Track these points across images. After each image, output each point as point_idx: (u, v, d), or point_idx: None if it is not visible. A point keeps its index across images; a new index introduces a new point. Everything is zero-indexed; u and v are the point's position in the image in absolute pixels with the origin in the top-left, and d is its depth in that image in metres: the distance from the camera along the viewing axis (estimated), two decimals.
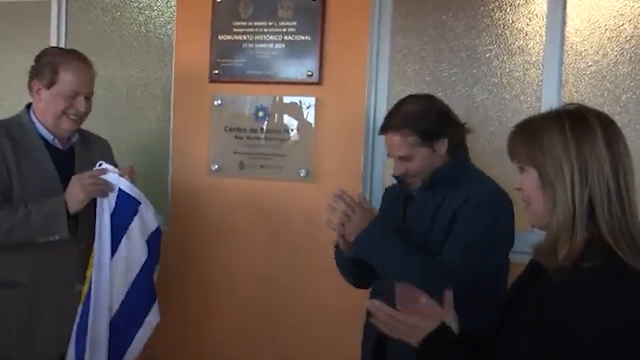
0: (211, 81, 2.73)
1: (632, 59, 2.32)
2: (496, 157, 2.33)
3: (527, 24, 2.42)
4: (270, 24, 2.64)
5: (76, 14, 3.06)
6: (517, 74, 2.44)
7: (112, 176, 2.05)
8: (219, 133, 2.73)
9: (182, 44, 2.80)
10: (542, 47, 2.40)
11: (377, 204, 2.52)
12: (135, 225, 2.08)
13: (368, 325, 1.93)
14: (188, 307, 2.80)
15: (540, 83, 2.40)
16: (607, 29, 2.35)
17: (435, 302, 1.38)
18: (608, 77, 2.35)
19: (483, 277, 1.73)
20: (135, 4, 2.99)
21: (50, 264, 2.08)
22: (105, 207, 2.05)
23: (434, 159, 1.86)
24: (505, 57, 2.46)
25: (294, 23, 2.60)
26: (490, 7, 2.46)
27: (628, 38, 2.32)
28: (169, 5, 2.92)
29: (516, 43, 2.44)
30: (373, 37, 2.55)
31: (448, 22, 2.51)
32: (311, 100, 2.59)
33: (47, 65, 2.09)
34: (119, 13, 3.01)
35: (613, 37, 2.34)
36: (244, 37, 2.68)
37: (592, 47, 2.36)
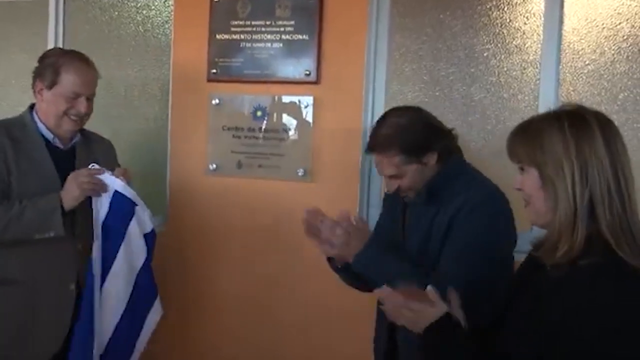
0: (209, 80, 2.73)
1: (630, 57, 2.32)
2: (493, 155, 2.34)
3: (525, 23, 2.43)
4: (268, 23, 2.64)
5: (74, 13, 3.05)
6: (514, 73, 2.45)
7: (108, 177, 2.06)
8: (217, 132, 2.72)
9: (180, 43, 2.79)
10: (539, 46, 2.40)
11: (375, 203, 2.54)
12: (133, 225, 2.11)
13: (379, 319, 1.95)
14: (186, 306, 2.80)
15: (538, 82, 2.40)
16: (604, 28, 2.35)
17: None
18: (605, 76, 2.35)
19: (484, 278, 1.71)
20: (132, 4, 2.98)
21: (46, 262, 2.08)
22: (100, 208, 2.07)
23: (426, 171, 1.82)
24: (503, 56, 2.46)
25: (292, 22, 2.60)
26: (488, 6, 2.47)
27: (625, 37, 2.33)
28: (167, 4, 2.92)
29: (514, 42, 2.44)
30: (371, 36, 2.55)
31: (446, 21, 2.52)
32: (309, 100, 2.59)
33: (49, 66, 2.10)
34: (116, 12, 3.01)
35: (610, 35, 2.34)
36: (242, 37, 2.68)
37: (589, 45, 2.36)
